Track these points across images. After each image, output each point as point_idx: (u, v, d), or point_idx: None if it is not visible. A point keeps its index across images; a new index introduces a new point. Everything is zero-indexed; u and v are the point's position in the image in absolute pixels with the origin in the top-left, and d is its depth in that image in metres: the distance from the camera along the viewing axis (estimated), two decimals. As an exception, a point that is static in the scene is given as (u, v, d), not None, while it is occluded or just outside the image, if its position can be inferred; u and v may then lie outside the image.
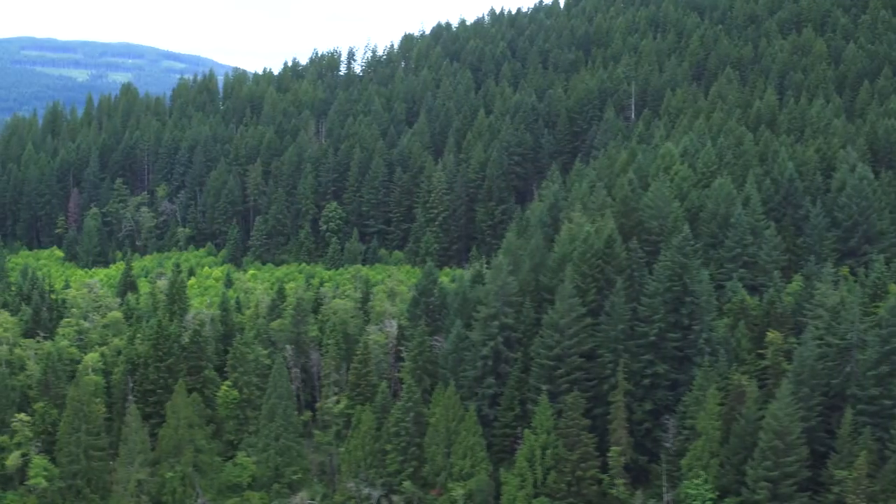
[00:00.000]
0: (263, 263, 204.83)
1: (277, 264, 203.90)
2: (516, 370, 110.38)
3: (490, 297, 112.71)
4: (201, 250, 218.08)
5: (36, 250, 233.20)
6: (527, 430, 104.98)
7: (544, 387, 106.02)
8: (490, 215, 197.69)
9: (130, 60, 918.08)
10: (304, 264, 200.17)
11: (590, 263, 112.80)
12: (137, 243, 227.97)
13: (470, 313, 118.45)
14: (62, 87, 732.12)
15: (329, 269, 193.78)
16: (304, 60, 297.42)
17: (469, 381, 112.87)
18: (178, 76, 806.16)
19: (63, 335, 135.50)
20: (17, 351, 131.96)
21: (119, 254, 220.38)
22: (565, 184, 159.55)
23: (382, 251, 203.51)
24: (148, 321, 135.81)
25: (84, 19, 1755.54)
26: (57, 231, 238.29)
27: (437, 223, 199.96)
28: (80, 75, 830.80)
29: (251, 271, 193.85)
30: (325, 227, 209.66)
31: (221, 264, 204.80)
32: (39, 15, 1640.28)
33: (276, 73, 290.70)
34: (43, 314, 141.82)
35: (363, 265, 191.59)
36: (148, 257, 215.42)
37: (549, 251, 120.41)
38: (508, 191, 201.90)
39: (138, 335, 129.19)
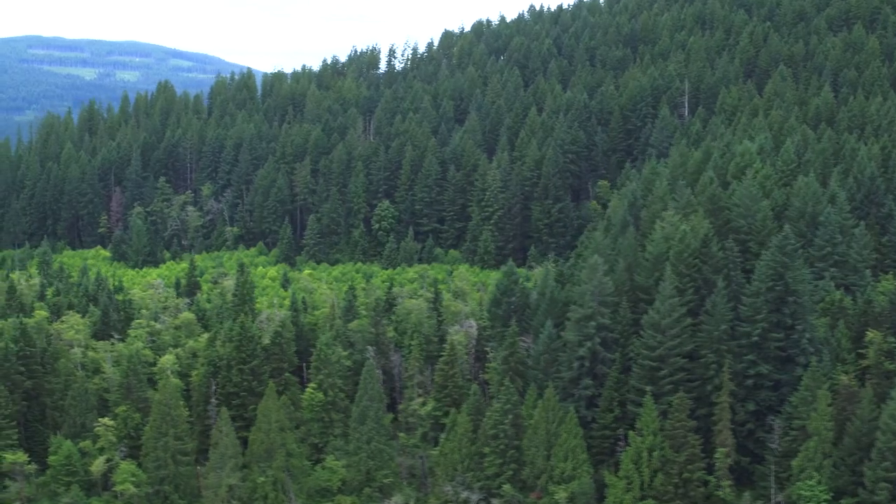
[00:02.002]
0: (318, 263, 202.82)
1: (332, 263, 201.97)
2: (615, 371, 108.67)
3: (585, 298, 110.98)
4: (252, 249, 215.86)
5: (79, 250, 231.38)
6: (631, 432, 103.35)
7: (647, 388, 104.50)
8: (546, 214, 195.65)
9: (138, 59, 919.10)
10: (359, 263, 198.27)
11: (687, 263, 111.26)
12: (184, 243, 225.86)
13: (560, 314, 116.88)
14: (70, 86, 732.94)
15: (386, 269, 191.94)
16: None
17: (564, 382, 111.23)
18: (185, 74, 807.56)
19: (135, 337, 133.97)
20: (91, 353, 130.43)
21: (167, 253, 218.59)
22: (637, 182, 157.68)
23: (438, 250, 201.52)
24: (223, 322, 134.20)
25: (91, 18, 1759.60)
26: (99, 230, 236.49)
27: (492, 222, 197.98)
28: (88, 74, 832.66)
29: (307, 271, 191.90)
30: (377, 225, 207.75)
31: (274, 264, 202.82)
32: (46, 14, 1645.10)
33: (314, 70, 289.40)
34: (112, 315, 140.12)
35: (419, 264, 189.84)
36: (197, 257, 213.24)
37: (641, 250, 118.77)
38: (564, 189, 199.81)
39: (218, 337, 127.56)
